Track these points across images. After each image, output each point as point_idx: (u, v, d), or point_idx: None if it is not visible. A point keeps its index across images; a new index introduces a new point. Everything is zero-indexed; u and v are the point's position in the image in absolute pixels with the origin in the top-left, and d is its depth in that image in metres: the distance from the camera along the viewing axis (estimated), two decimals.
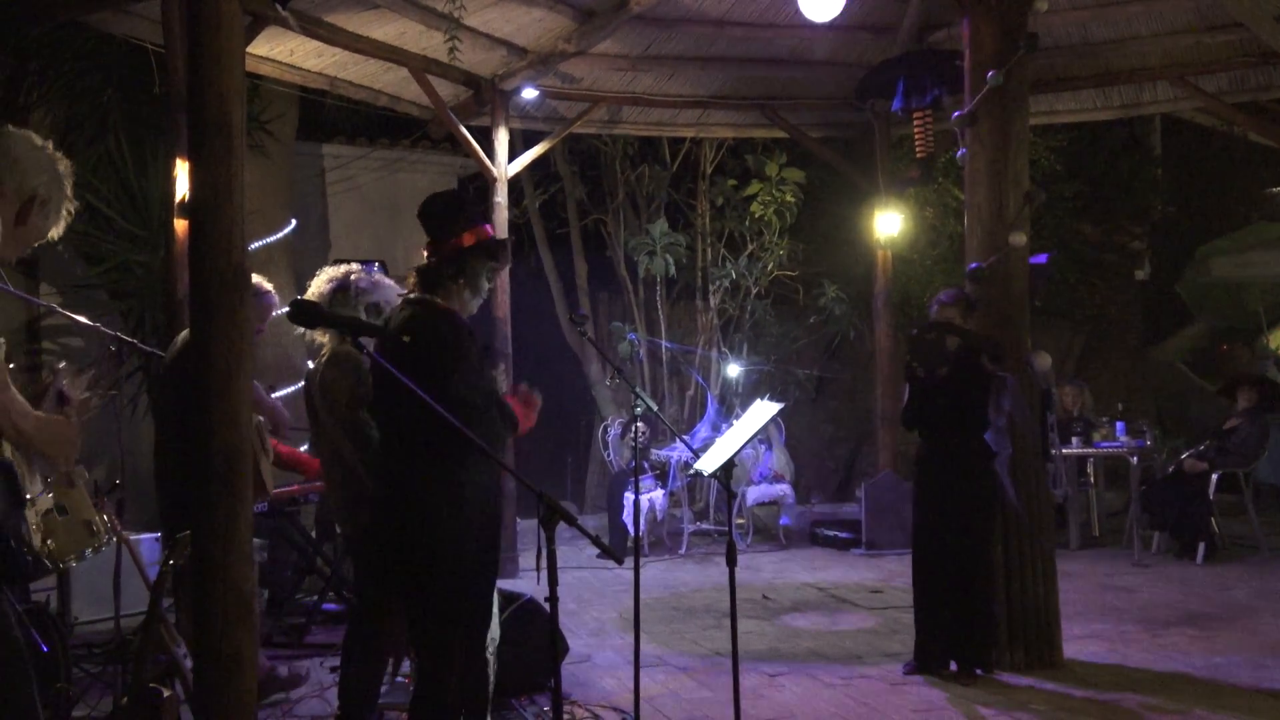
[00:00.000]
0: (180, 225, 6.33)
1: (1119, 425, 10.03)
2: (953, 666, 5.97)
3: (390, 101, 9.38)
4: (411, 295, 4.19)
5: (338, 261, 5.33)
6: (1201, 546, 9.20)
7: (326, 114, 11.14)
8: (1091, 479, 10.49)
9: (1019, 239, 6.23)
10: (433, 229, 4.19)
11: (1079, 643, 6.54)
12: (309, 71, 8.53)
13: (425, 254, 4.21)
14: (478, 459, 3.98)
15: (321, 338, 5.04)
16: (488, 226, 4.27)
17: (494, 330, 8.96)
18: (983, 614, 5.96)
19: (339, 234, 11.20)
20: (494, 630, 4.41)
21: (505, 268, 4.34)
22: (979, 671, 5.93)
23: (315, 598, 7.28)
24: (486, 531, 4.11)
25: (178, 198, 6.36)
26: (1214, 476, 9.36)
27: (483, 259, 4.16)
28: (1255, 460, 9.74)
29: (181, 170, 6.32)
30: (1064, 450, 9.73)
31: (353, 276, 5.02)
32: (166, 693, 4.22)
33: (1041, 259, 6.53)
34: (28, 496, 3.27)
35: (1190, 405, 13.98)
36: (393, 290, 5.08)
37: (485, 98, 9.26)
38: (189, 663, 4.29)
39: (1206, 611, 7.46)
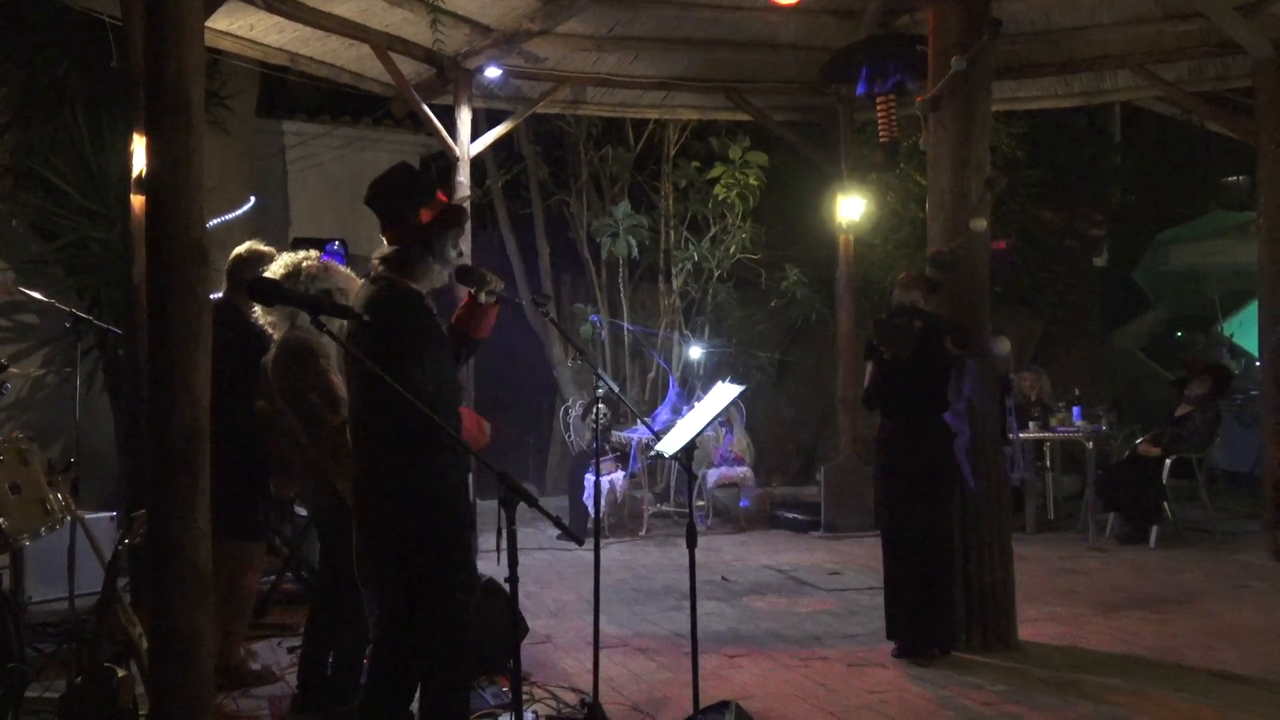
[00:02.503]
0: (138, 201, 6.25)
1: (1075, 410, 10.14)
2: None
3: (352, 79, 9.29)
4: (377, 273, 4.14)
5: (298, 241, 5.30)
6: (1155, 531, 9.32)
7: (287, 90, 11.03)
8: (1048, 463, 10.60)
9: (980, 225, 6.27)
10: (387, 212, 4.11)
11: (1034, 625, 6.61)
12: (269, 47, 8.43)
13: (384, 238, 4.15)
14: (445, 443, 3.94)
15: (268, 318, 5.00)
16: (440, 194, 4.19)
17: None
18: (943, 594, 6.03)
19: (300, 212, 11.11)
20: None
21: (462, 232, 4.30)
22: (936, 652, 5.99)
23: (273, 578, 7.24)
24: (460, 516, 4.08)
25: (135, 173, 6.29)
26: (1167, 462, 9.48)
27: (445, 230, 4.11)
28: (1208, 446, 9.86)
29: (139, 145, 6.23)
30: (1021, 435, 9.81)
31: (305, 263, 4.98)
32: (122, 673, 4.19)
33: (1003, 249, 6.58)
34: None
35: (1147, 391, 14.13)
36: (345, 277, 5.05)
37: (448, 76, 9.20)
38: (145, 642, 4.26)
39: (1159, 594, 7.57)
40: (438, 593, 3.99)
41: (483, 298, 4.27)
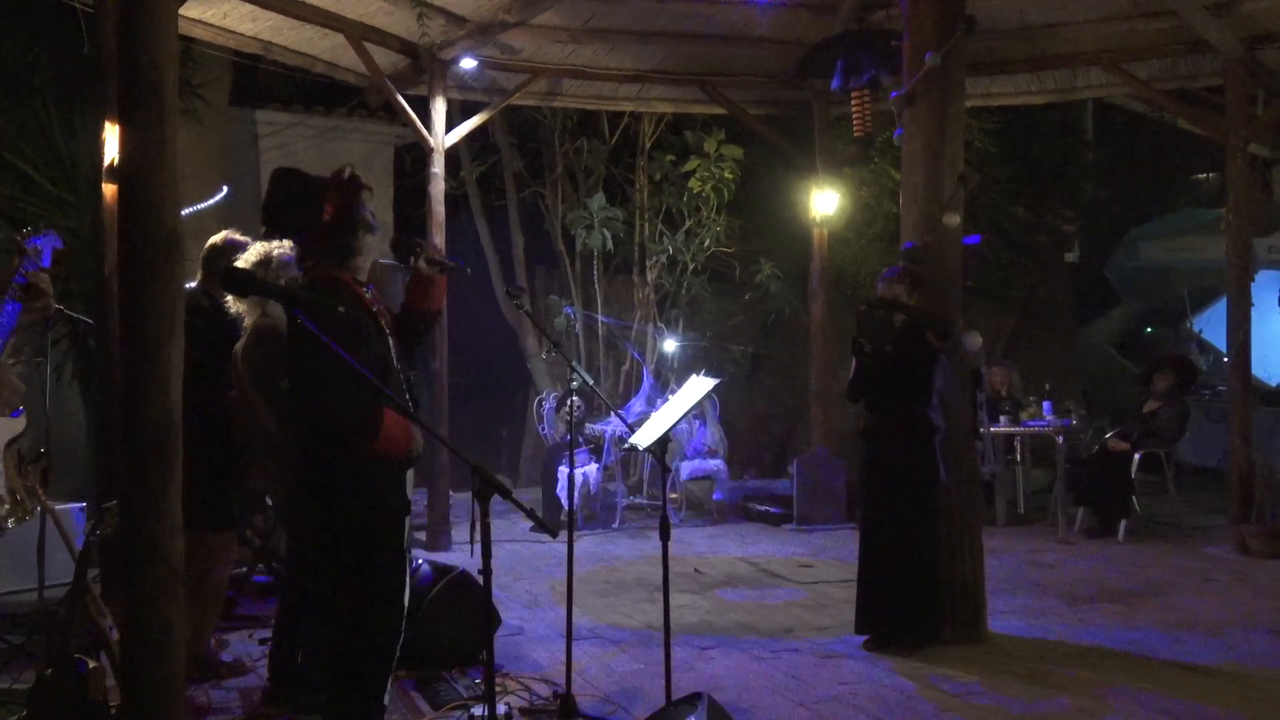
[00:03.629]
0: (110, 190, 6.22)
1: (1046, 405, 10.21)
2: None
3: (326, 68, 9.25)
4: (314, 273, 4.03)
5: (269, 232, 5.28)
6: (1123, 524, 9.41)
7: (261, 79, 10.96)
8: (1018, 457, 10.68)
9: (953, 219, 6.30)
10: (289, 225, 4.04)
11: (1004, 617, 6.67)
12: (243, 36, 8.38)
13: (297, 251, 4.02)
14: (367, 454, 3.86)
15: (240, 306, 4.98)
16: (325, 183, 4.02)
17: None
18: (926, 586, 6.06)
19: None
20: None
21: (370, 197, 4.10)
22: (912, 643, 6.03)
23: (244, 569, 7.21)
24: (397, 517, 4.04)
25: (107, 162, 6.24)
26: (1136, 456, 9.57)
27: (353, 210, 3.95)
28: (1176, 441, 9.96)
29: (111, 134, 6.19)
30: (992, 429, 9.89)
31: (275, 251, 4.97)
32: (92, 664, 4.17)
33: (974, 240, 6.62)
34: None
35: (1116, 386, 14.25)
36: None
37: (423, 67, 9.17)
38: (115, 634, 4.24)
39: (1127, 587, 7.64)
40: (362, 601, 3.95)
41: (422, 265, 4.18)
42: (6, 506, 4.40)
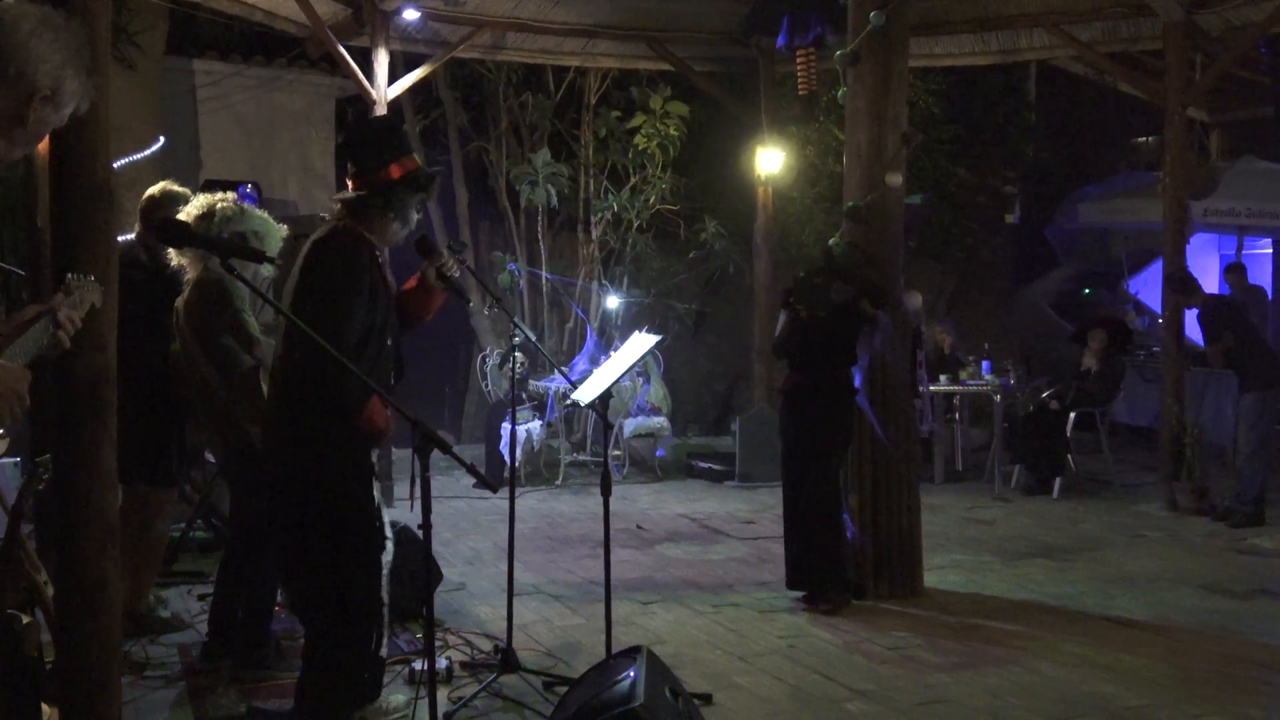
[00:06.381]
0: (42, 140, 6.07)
1: (984, 364, 10.35)
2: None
3: (265, 18, 9.08)
4: (333, 215, 4.11)
5: (210, 183, 5.20)
6: (1058, 482, 9.58)
7: (198, 28, 10.74)
8: (957, 416, 10.81)
9: (895, 179, 6.34)
10: (359, 160, 4.06)
11: (940, 572, 6.78)
12: None
13: (350, 184, 4.09)
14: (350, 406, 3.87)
15: (180, 260, 4.92)
16: (414, 157, 4.17)
17: None
18: (836, 543, 6.14)
19: (211, 154, 10.85)
20: (387, 554, 4.33)
21: (432, 200, 4.26)
22: (845, 598, 6.11)
23: (183, 525, 7.15)
24: (363, 465, 4.03)
25: None
26: (1071, 415, 9.73)
27: (411, 192, 4.07)
28: (1110, 400, 10.14)
29: None
30: (931, 387, 10.00)
31: (219, 205, 4.90)
32: (26, 619, 4.12)
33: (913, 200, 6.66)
34: None
35: (1054, 346, 14.45)
36: (261, 220, 4.98)
37: (365, 17, 9.03)
38: (50, 590, 4.20)
39: (1060, 544, 7.79)
40: (331, 550, 3.94)
41: (432, 276, 4.23)
42: None
